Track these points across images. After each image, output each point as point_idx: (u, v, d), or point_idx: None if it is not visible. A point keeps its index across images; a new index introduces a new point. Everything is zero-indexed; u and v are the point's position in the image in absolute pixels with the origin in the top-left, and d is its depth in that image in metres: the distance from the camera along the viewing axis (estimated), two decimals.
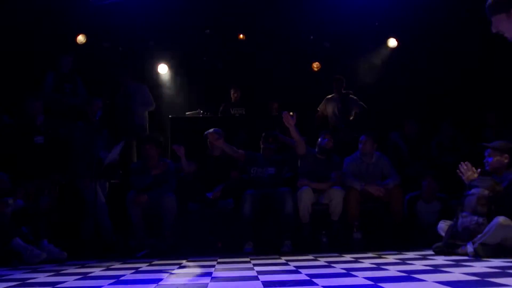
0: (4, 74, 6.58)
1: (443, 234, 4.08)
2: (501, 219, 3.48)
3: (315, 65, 8.55)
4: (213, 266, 3.53)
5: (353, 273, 2.82)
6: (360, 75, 8.18)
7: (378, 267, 3.13)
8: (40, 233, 4.49)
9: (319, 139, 5.38)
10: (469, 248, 3.59)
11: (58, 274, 3.36)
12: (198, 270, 3.35)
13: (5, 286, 2.66)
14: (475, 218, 3.72)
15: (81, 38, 7.63)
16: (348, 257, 4.03)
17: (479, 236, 3.57)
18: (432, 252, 3.98)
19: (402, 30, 7.98)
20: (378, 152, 5.47)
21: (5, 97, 6.23)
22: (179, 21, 7.89)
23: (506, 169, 4.02)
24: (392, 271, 2.90)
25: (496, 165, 4.03)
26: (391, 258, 3.79)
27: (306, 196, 4.95)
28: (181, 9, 7.73)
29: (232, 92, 7.60)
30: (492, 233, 3.49)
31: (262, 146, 5.40)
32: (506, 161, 4.00)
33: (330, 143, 5.30)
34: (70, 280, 2.91)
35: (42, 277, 3.16)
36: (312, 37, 8.44)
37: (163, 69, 8.18)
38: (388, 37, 8.15)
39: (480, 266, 2.96)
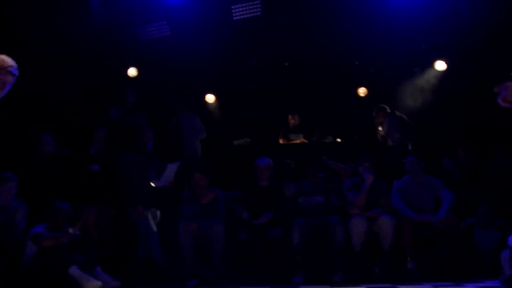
0: (61, 107, 6.88)
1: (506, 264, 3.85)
2: None
3: (361, 91, 8.46)
4: None
5: None
6: (407, 99, 7.99)
7: None
8: (94, 261, 4.59)
9: (360, 168, 5.26)
10: None
11: None
12: None
13: None
14: None
15: (132, 71, 7.92)
16: (402, 287, 3.87)
17: None
18: (498, 284, 3.76)
19: (450, 52, 7.76)
20: (428, 176, 5.28)
21: (63, 129, 6.49)
22: (225, 52, 8.05)
23: None
24: None
25: None
26: None
27: (359, 225, 4.82)
28: (226, 41, 7.92)
29: (290, 118, 7.59)
30: None
31: (309, 173, 5.36)
32: None
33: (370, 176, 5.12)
34: None
35: None
36: (357, 62, 8.38)
37: (210, 99, 8.34)
38: (436, 60, 7.93)
39: None
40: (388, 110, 7.01)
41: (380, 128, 7.02)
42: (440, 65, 7.91)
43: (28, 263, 4.47)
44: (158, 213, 5.47)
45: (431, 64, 7.97)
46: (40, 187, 5.22)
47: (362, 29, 7.55)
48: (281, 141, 7.45)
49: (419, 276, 4.66)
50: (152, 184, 5.40)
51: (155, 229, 5.31)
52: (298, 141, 7.29)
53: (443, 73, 7.88)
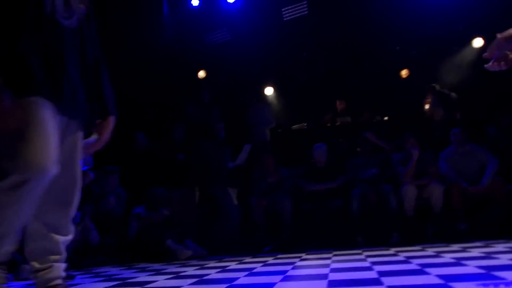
0: (147, 107, 7.18)
1: None
2: None
3: (404, 72, 8.13)
4: (330, 258, 3.51)
5: (463, 262, 2.62)
6: (448, 76, 7.59)
7: (488, 256, 2.88)
8: (184, 235, 4.81)
9: (406, 144, 5.10)
10: None
11: (202, 268, 3.51)
12: (317, 262, 3.34)
13: (164, 278, 2.87)
14: None
15: (201, 74, 8.13)
16: (455, 247, 3.76)
17: None
18: None
19: (486, 30, 7.26)
20: (471, 145, 5.02)
21: (150, 125, 6.77)
22: (278, 49, 8.05)
23: None
24: (504, 259, 2.65)
25: None
26: (500, 247, 3.44)
27: (410, 193, 4.72)
28: (279, 39, 7.92)
29: (338, 103, 7.48)
30: None
31: (359, 150, 5.32)
32: None
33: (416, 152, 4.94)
34: (213, 273, 3.06)
35: (190, 271, 3.35)
36: (398, 48, 8.08)
37: (269, 91, 8.38)
38: (473, 38, 7.52)
39: None
40: (437, 89, 6.69)
41: (427, 106, 6.73)
42: (478, 42, 7.54)
43: (133, 237, 4.77)
44: (235, 190, 5.60)
45: (469, 42, 7.56)
46: (138, 176, 5.53)
47: (401, 16, 7.28)
48: (329, 125, 7.36)
49: (471, 235, 4.49)
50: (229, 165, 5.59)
51: (235, 203, 5.46)
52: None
53: (481, 49, 7.41)
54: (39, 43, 1.59)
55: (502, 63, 1.76)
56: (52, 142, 1.52)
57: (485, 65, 1.85)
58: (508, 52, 1.77)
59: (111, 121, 1.91)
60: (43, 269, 1.65)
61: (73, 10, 1.66)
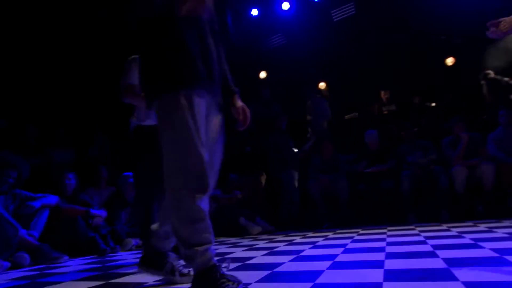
0: None
1: None
2: None
3: (449, 60, 7.59)
4: (385, 233, 3.41)
5: None
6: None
7: None
8: (255, 213, 4.90)
9: (455, 128, 4.80)
10: None
11: (271, 241, 3.55)
12: (373, 237, 3.25)
13: (240, 250, 2.93)
14: None
15: (263, 74, 8.19)
16: (507, 222, 3.48)
17: None
18: None
19: None
20: None
21: None
22: (329, 47, 7.87)
23: None
24: None
25: None
26: None
27: (460, 173, 4.45)
28: (329, 38, 7.76)
29: (382, 94, 7.19)
30: None
31: (403, 133, 5.09)
32: None
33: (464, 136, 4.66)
34: (281, 246, 3.09)
35: (261, 244, 3.41)
36: (443, 37, 7.52)
37: (322, 86, 8.23)
38: None
39: None
40: (491, 76, 6.16)
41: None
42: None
43: (211, 215, 4.94)
44: (296, 174, 5.61)
45: None
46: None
47: (445, 6, 6.78)
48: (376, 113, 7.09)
49: None
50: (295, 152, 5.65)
51: (296, 186, 5.48)
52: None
53: None
54: (196, 36, 1.52)
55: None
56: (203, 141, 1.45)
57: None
58: None
59: (238, 99, 1.81)
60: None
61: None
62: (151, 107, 1.54)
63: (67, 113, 5.84)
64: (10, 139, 4.12)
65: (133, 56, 2.63)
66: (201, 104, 1.46)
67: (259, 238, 4.07)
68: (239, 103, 1.80)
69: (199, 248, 1.37)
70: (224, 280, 1.33)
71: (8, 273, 2.62)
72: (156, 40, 1.51)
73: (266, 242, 3.48)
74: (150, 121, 2.57)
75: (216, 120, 1.64)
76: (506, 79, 2.13)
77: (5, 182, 3.26)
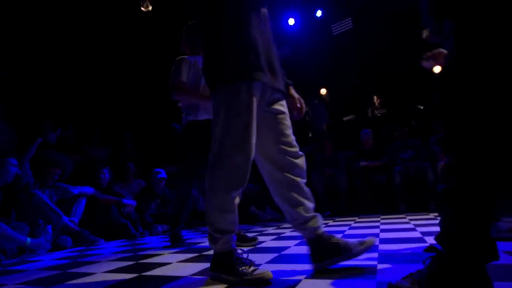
0: None
1: None
2: None
3: (435, 69, 7.39)
4: (378, 221, 3.38)
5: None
6: None
7: None
8: (265, 202, 4.86)
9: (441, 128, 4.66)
10: None
11: (279, 228, 3.55)
12: (369, 224, 3.23)
13: (251, 235, 2.88)
14: None
15: None
16: None
17: None
18: None
19: None
20: None
21: None
22: (330, 58, 7.85)
23: None
24: None
25: None
26: None
27: None
28: (330, 50, 7.75)
29: (375, 98, 7.10)
30: None
31: (396, 134, 5.02)
32: None
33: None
34: (287, 232, 3.10)
35: (270, 230, 3.41)
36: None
37: (323, 92, 8.17)
38: None
39: None
40: None
41: None
42: None
43: None
44: None
45: None
46: None
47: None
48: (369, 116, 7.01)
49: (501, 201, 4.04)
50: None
51: None
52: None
53: None
54: (259, 30, 1.40)
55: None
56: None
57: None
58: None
59: (293, 90, 1.67)
60: (310, 219, 1.45)
61: None
62: (211, 96, 1.42)
63: (102, 117, 5.92)
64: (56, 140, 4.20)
65: (181, 57, 2.58)
66: (259, 97, 1.36)
67: (268, 225, 4.06)
68: (295, 93, 1.66)
69: (224, 235, 1.36)
70: (239, 262, 1.33)
71: (53, 253, 2.68)
72: (224, 32, 1.37)
73: (274, 229, 3.48)
74: (201, 116, 2.51)
75: (281, 107, 1.50)
76: None
77: (50, 179, 3.31)
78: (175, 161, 2.75)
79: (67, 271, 1.85)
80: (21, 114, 4.55)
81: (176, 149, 2.67)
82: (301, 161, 1.49)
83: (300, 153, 1.50)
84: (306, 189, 1.48)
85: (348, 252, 1.38)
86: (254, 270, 1.28)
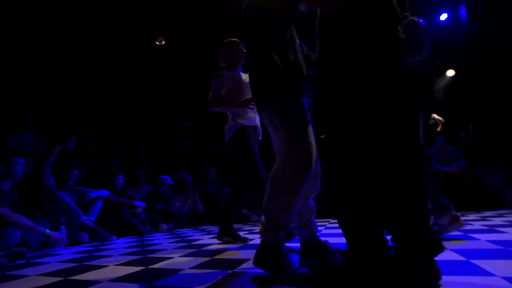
0: None
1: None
2: None
3: None
4: None
5: None
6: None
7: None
8: (258, 205, 4.78)
9: None
10: None
11: None
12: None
13: (243, 233, 2.84)
14: None
15: None
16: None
17: None
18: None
19: (457, 64, 6.49)
20: (450, 146, 4.59)
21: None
22: None
23: None
24: (476, 225, 2.40)
25: None
26: (472, 216, 3.12)
27: None
28: None
29: None
30: None
31: None
32: None
33: None
34: None
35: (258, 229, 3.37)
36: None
37: None
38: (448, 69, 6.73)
39: None
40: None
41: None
42: (450, 73, 6.75)
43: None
44: None
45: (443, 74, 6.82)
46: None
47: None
48: None
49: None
50: None
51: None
52: None
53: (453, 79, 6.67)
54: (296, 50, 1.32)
55: None
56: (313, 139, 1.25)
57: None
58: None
59: None
60: (305, 225, 1.38)
61: None
62: (261, 110, 1.32)
63: (119, 131, 5.87)
64: (80, 149, 4.14)
65: (220, 72, 2.45)
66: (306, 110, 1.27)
67: (256, 224, 3.99)
68: None
69: (277, 229, 1.23)
70: (283, 258, 1.21)
71: (71, 248, 2.59)
72: (275, 51, 1.26)
73: None
74: (249, 122, 2.36)
75: None
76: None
77: (71, 179, 3.28)
78: (230, 162, 2.48)
79: (83, 263, 1.80)
80: (50, 127, 4.48)
81: (228, 153, 2.41)
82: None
83: None
84: (311, 200, 1.42)
85: (333, 259, 1.36)
86: (298, 268, 1.19)
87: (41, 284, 1.33)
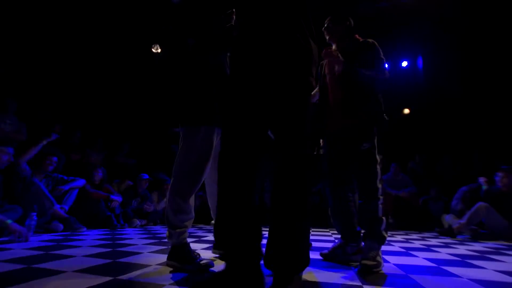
0: None
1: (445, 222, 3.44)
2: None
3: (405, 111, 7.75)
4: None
5: (392, 243, 2.52)
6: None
7: (407, 241, 2.75)
8: None
9: None
10: None
11: None
12: (321, 235, 3.22)
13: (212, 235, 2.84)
14: None
15: None
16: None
17: None
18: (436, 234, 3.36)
19: (411, 104, 6.85)
20: (402, 174, 4.84)
21: None
22: None
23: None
24: (417, 244, 2.53)
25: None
26: (414, 236, 3.29)
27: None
28: None
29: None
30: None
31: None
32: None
33: None
34: None
35: None
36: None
37: None
38: (403, 108, 7.01)
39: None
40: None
41: None
42: (406, 111, 7.05)
43: (198, 208, 4.72)
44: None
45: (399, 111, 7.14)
46: None
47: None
48: None
49: (396, 227, 4.30)
50: None
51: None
52: None
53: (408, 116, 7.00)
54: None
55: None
56: None
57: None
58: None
59: None
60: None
61: None
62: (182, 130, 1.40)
63: (106, 126, 5.61)
64: (62, 140, 3.89)
65: None
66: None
67: None
68: None
69: (178, 230, 1.35)
70: (187, 253, 1.33)
71: (41, 236, 2.38)
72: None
73: None
74: None
75: None
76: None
77: (49, 165, 3.10)
78: None
79: (50, 252, 1.65)
80: (34, 114, 4.17)
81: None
82: None
83: None
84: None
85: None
86: (200, 260, 1.33)
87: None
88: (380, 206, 1.53)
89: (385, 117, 1.57)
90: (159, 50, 5.22)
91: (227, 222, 0.99)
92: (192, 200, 1.39)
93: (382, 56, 1.58)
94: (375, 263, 1.39)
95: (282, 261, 0.94)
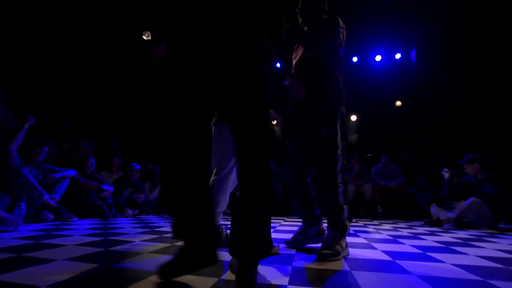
0: None
1: (433, 213, 3.54)
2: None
3: (398, 103, 7.79)
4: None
5: (380, 231, 2.59)
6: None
7: (395, 229, 2.83)
8: None
9: (352, 160, 4.91)
10: None
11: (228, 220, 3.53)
12: (294, 223, 3.30)
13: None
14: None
15: None
16: (376, 222, 3.69)
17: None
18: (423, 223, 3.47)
19: (403, 96, 6.89)
20: (392, 164, 4.93)
21: None
22: None
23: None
24: (404, 232, 2.61)
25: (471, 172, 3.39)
26: (402, 225, 3.38)
27: (350, 188, 4.60)
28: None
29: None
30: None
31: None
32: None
33: (357, 166, 4.85)
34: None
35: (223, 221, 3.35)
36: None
37: None
38: (396, 100, 6.99)
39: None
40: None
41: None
42: (398, 103, 7.06)
43: None
44: None
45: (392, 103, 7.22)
46: None
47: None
48: None
49: (385, 216, 4.41)
50: None
51: None
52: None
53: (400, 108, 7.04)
54: None
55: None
56: None
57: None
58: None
59: None
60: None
61: None
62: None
63: (96, 115, 5.49)
64: (52, 129, 3.80)
65: None
66: None
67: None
68: None
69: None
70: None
71: (31, 225, 2.36)
72: None
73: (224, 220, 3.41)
74: None
75: None
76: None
77: (40, 155, 3.02)
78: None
79: (40, 241, 1.64)
80: (23, 102, 4.05)
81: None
82: None
83: None
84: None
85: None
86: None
87: None
88: (341, 194, 1.46)
89: (345, 102, 1.54)
90: (150, 38, 5.06)
91: (177, 204, 0.96)
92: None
93: (340, 29, 1.50)
94: (332, 252, 1.36)
95: (247, 248, 0.91)
